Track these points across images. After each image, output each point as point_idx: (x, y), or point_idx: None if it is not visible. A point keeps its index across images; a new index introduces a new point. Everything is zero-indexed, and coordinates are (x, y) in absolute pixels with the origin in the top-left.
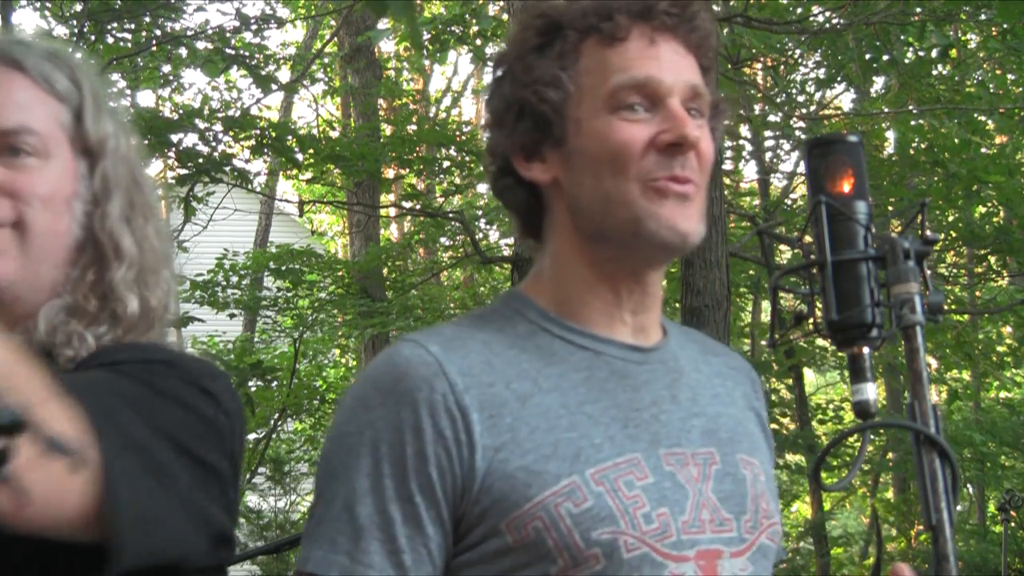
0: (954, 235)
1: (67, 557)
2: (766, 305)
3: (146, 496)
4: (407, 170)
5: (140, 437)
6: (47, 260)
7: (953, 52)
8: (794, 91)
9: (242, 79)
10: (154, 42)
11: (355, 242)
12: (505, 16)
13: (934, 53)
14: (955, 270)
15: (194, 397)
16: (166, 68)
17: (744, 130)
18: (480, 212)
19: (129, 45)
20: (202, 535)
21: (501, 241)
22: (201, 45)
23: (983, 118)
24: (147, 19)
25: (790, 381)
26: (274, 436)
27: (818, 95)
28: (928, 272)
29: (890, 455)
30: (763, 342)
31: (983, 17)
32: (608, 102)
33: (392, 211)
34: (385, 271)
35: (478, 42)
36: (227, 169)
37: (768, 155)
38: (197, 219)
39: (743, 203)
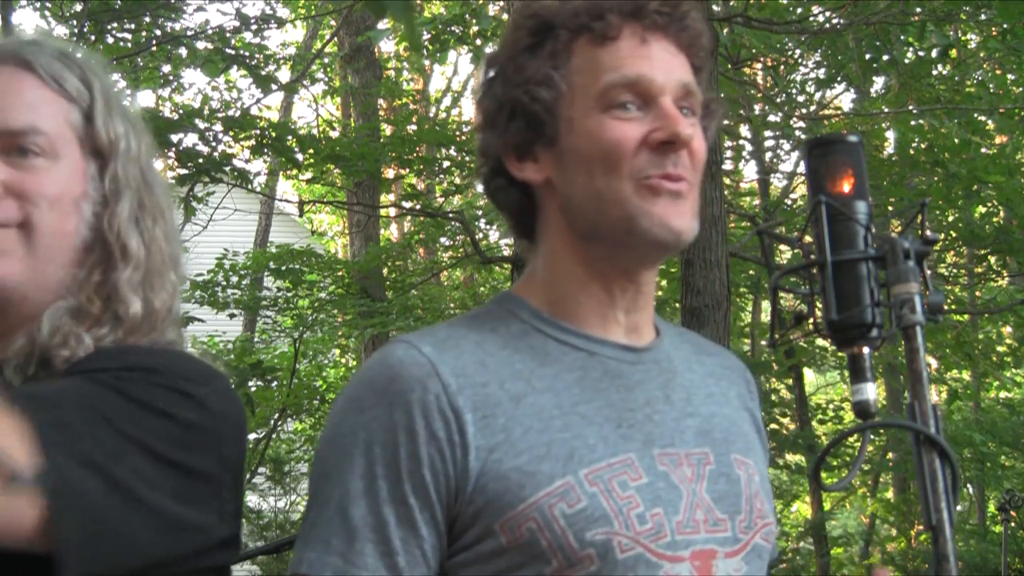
0: (954, 235)
1: (25, 564)
2: (766, 305)
3: (99, 507)
4: (407, 170)
5: (100, 447)
6: (54, 261)
7: (953, 52)
8: (794, 91)
9: (242, 79)
10: (154, 42)
11: (355, 242)
12: (505, 16)
13: (934, 53)
14: (955, 270)
15: (173, 403)
16: (166, 68)
17: (744, 130)
18: (480, 212)
19: (129, 45)
20: (177, 541)
21: (501, 241)
22: (201, 45)
23: (983, 118)
24: (147, 19)
25: (790, 381)
26: (274, 436)
27: (818, 95)
28: (928, 272)
29: (890, 455)
30: (763, 342)
31: (983, 17)
32: (600, 101)
33: (392, 211)
34: (385, 271)
35: (478, 42)
36: (227, 169)
37: (768, 155)
38: (197, 219)
39: (743, 203)
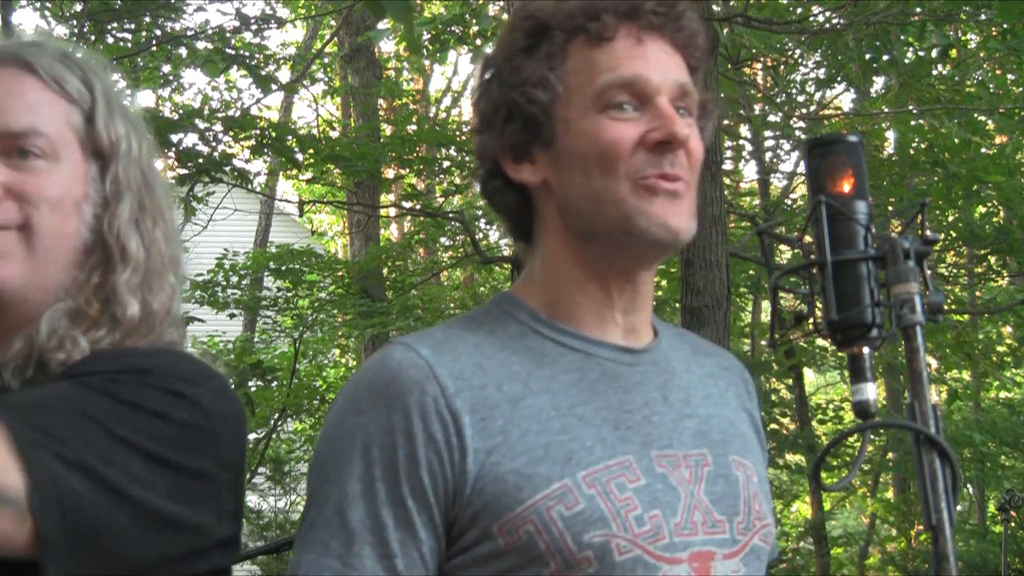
0: (954, 235)
1: (26, 564)
2: (766, 305)
3: (87, 509)
4: (407, 170)
5: (89, 449)
6: (54, 263)
7: (953, 52)
8: (794, 91)
9: (242, 79)
10: (154, 42)
11: (355, 242)
12: (505, 16)
13: (934, 53)
14: (955, 270)
15: (166, 403)
16: (166, 68)
17: (744, 130)
18: (480, 212)
19: (129, 45)
20: (172, 541)
21: (501, 241)
22: (201, 45)
23: (983, 118)
24: (147, 19)
25: (790, 381)
26: (274, 436)
27: (818, 95)
28: (928, 272)
29: (890, 455)
30: (763, 342)
31: (983, 17)
32: (596, 101)
33: (392, 211)
34: (385, 271)
35: (478, 42)
36: (227, 169)
37: (768, 155)
38: (197, 219)
39: (743, 203)
